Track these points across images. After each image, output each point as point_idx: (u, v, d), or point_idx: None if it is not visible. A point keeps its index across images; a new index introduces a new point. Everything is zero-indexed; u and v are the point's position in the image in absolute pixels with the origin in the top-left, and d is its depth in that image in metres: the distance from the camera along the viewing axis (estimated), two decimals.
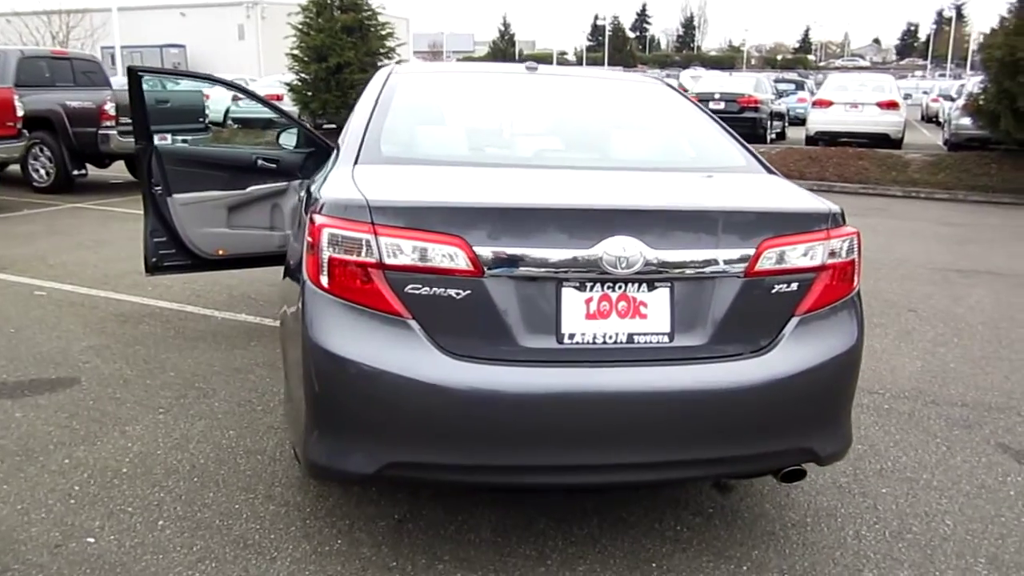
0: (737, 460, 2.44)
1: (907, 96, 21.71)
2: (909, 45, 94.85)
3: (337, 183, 2.46)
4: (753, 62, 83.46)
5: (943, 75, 54.91)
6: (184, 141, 5.42)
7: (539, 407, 2.23)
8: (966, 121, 14.25)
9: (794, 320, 2.42)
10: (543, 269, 2.24)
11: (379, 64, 17.05)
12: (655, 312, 2.32)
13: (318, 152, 5.12)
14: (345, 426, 2.29)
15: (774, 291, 2.39)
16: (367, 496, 2.98)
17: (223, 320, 5.17)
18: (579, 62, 77.45)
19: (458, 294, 2.22)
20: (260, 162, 4.99)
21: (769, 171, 2.88)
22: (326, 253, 2.26)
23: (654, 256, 2.26)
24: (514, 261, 2.23)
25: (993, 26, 13.63)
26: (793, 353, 2.40)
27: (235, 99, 17.95)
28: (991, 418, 3.95)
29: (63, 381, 4.04)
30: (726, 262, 2.33)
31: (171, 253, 4.81)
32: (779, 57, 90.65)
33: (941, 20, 79.55)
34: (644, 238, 2.26)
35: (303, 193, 3.02)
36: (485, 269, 2.21)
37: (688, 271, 2.31)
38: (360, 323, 2.25)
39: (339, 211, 2.27)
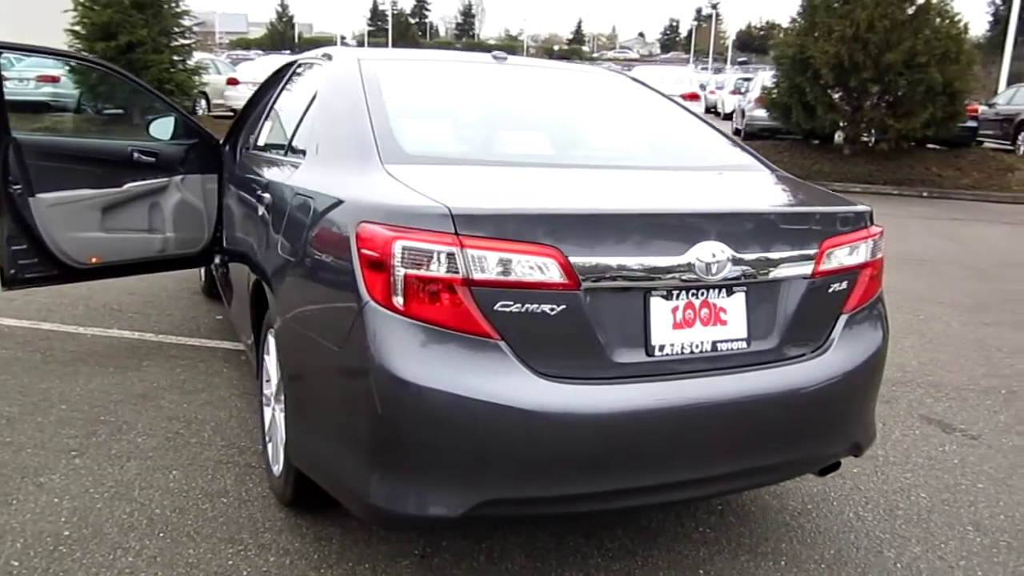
0: (807, 461, 2.44)
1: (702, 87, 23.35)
2: (672, 39, 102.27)
3: (390, 188, 2.13)
4: (532, 52, 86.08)
5: (705, 68, 59.79)
6: None
7: (639, 425, 2.07)
8: (760, 113, 15.51)
9: (843, 318, 2.44)
10: (635, 278, 2.08)
11: (173, 44, 15.67)
12: (734, 318, 2.24)
13: (201, 144, 4.57)
14: (424, 465, 2.00)
15: (830, 291, 2.39)
16: (373, 533, 2.67)
17: (95, 337, 4.47)
18: (361, 46, 75.97)
19: (552, 310, 2.00)
20: (137, 155, 4.34)
21: (772, 168, 2.89)
22: (401, 270, 1.95)
23: (738, 260, 2.18)
24: (608, 271, 2.05)
25: (786, 26, 14.88)
26: (845, 350, 2.42)
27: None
28: (902, 392, 4.27)
29: None
30: (796, 263, 2.30)
31: (34, 263, 4.06)
32: (555, 48, 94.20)
33: (700, 17, 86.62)
34: (730, 242, 2.17)
35: (292, 200, 2.59)
36: (580, 281, 2.02)
37: (763, 274, 2.25)
38: (443, 347, 1.97)
39: (414, 221, 1.97)
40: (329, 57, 3.14)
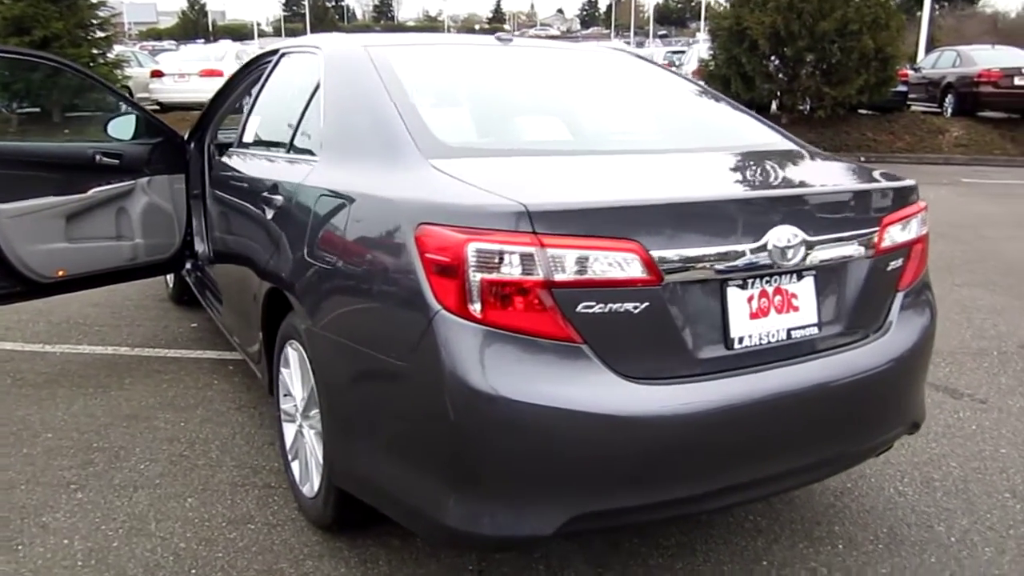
0: (878, 444, 2.37)
1: None
2: (591, 15, 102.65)
3: (447, 185, 1.96)
4: (453, 32, 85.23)
5: (628, 43, 60.13)
6: None
7: (728, 422, 1.96)
8: None
9: (899, 296, 2.38)
10: (713, 268, 1.97)
11: (91, 36, 14.90)
12: (805, 303, 2.15)
13: (167, 143, 4.28)
14: (509, 482, 1.85)
15: (888, 269, 2.33)
16: (421, 551, 2.51)
17: (64, 356, 4.15)
18: (277, 33, 73.97)
19: (635, 308, 1.87)
20: (99, 158, 4.03)
21: (802, 145, 2.81)
22: (476, 275, 1.79)
23: (809, 243, 2.09)
24: (688, 263, 1.93)
25: None
26: (904, 329, 2.36)
27: None
28: None
29: None
30: (860, 243, 2.22)
31: None
32: (476, 27, 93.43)
33: None
34: (802, 225, 2.07)
35: (315, 201, 2.38)
36: (663, 276, 1.89)
37: (832, 257, 2.16)
38: (525, 355, 1.82)
39: (487, 221, 1.80)
40: (321, 46, 2.91)
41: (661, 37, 65.83)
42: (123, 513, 2.70)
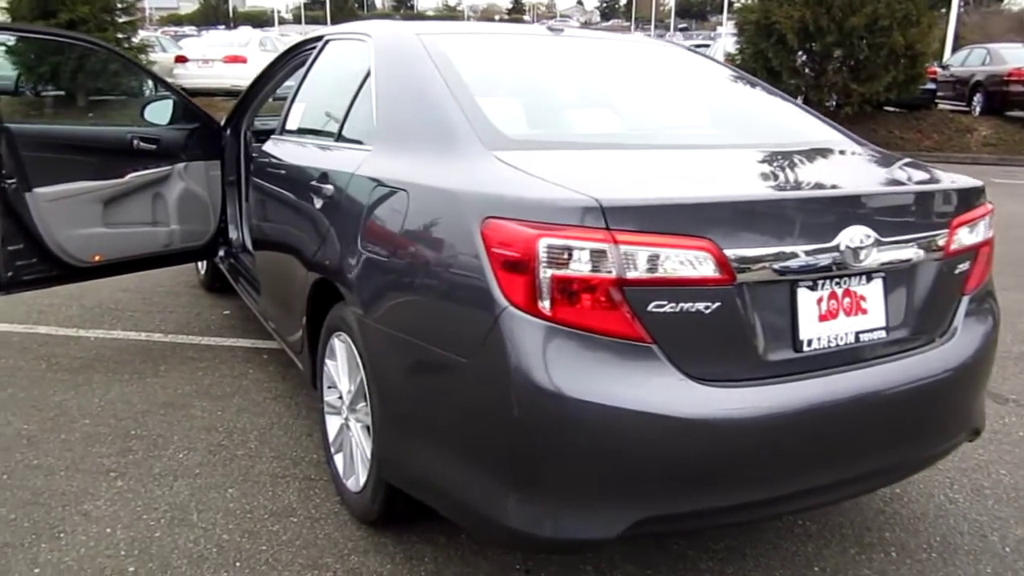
0: (941, 452, 2.31)
1: None
2: (612, 7, 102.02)
3: (514, 178, 1.90)
4: (472, 16, 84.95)
5: (648, 35, 59.69)
6: None
7: (798, 426, 1.91)
8: None
9: (964, 301, 2.32)
10: (785, 269, 1.91)
11: (117, 20, 14.93)
12: (873, 306, 2.09)
13: (203, 129, 4.25)
14: (575, 484, 1.81)
15: (955, 272, 2.26)
16: (467, 549, 2.47)
17: (99, 341, 4.14)
18: (296, 20, 73.92)
19: (706, 308, 1.81)
20: (137, 143, 4.01)
21: (863, 143, 2.75)
22: (547, 271, 1.74)
23: (881, 244, 2.03)
24: (761, 262, 1.87)
25: None
26: (969, 333, 2.30)
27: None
28: None
29: None
30: (930, 245, 2.15)
31: (31, 264, 3.72)
32: (496, 17, 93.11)
33: None
34: (874, 225, 2.01)
35: (370, 191, 2.33)
36: (735, 275, 1.84)
37: (902, 258, 2.10)
38: (594, 355, 1.77)
39: (560, 216, 1.75)
40: (370, 33, 2.86)
41: (682, 30, 65.38)
42: (164, 503, 2.67)
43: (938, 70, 16.15)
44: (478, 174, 1.98)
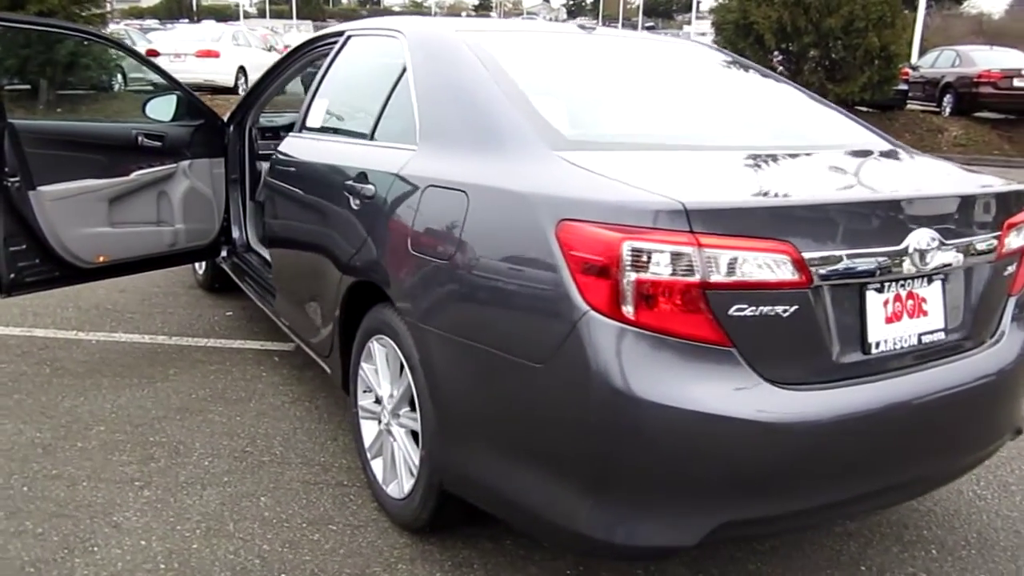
0: (990, 452, 2.32)
1: None
2: (579, 5, 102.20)
3: (590, 180, 1.86)
4: (439, 12, 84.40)
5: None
6: None
7: (870, 428, 1.90)
8: None
9: (1011, 301, 2.33)
10: (856, 271, 1.90)
11: (84, 13, 14.57)
12: (933, 308, 2.09)
13: (208, 125, 4.15)
14: (655, 490, 1.78)
15: (1005, 274, 2.27)
16: (515, 554, 2.43)
17: (101, 344, 4.02)
18: (261, 15, 72.98)
19: (784, 311, 1.79)
20: (142, 139, 3.89)
21: (900, 145, 2.76)
22: (631, 275, 1.71)
23: (944, 247, 2.03)
24: (836, 265, 1.86)
25: None
26: (1016, 334, 2.31)
27: None
28: None
29: None
30: (985, 247, 2.16)
31: (34, 265, 3.59)
32: (463, 13, 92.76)
33: None
34: (937, 228, 2.01)
35: (422, 192, 2.26)
36: (812, 278, 1.82)
37: (960, 261, 2.10)
38: (675, 359, 1.74)
39: (643, 219, 1.72)
40: (402, 31, 2.79)
41: (648, 28, 65.73)
42: (196, 512, 2.59)
43: (909, 71, 16.42)
44: (546, 176, 1.94)
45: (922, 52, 19.16)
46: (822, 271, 1.83)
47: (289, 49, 3.85)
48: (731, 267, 1.74)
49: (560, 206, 1.83)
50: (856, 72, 13.38)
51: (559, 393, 1.82)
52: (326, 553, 2.41)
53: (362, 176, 2.58)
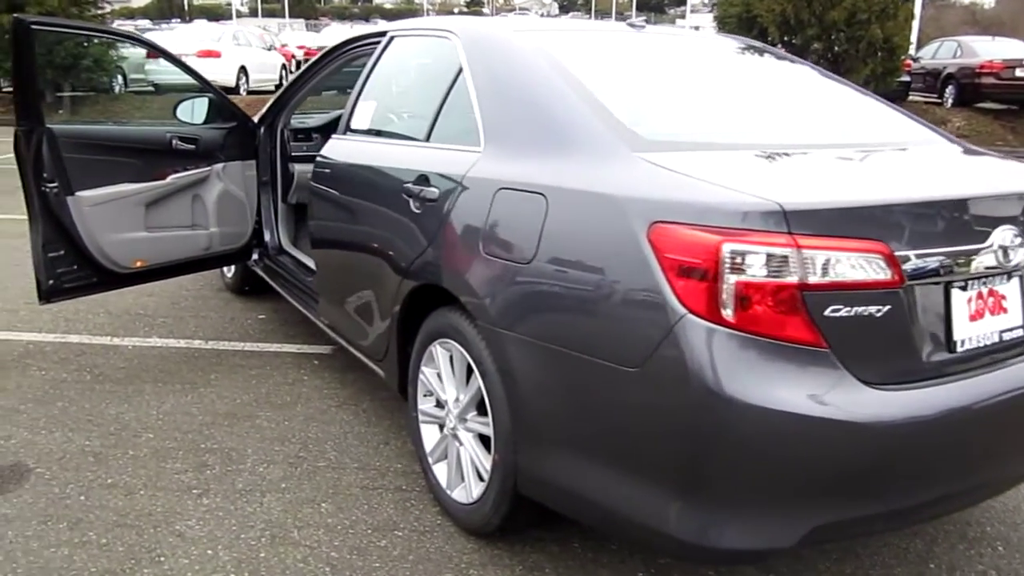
0: None
1: None
2: (570, 0, 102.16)
3: (681, 182, 1.84)
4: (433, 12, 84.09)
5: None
6: None
7: (960, 426, 1.89)
8: None
9: None
10: (944, 269, 1.89)
11: (85, 14, 14.50)
12: (1012, 305, 2.08)
13: (240, 128, 4.12)
14: (752, 493, 1.76)
15: None
16: (586, 559, 2.42)
17: (138, 349, 3.98)
18: (253, 14, 72.66)
19: (878, 311, 1.78)
20: (176, 143, 3.86)
21: (952, 140, 2.75)
22: (731, 277, 1.70)
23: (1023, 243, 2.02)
24: (926, 263, 1.85)
25: None
26: None
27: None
28: None
29: (5, 474, 2.81)
30: None
31: (73, 271, 3.56)
32: (456, 11, 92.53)
33: None
34: (1018, 225, 2.00)
35: (493, 194, 2.23)
36: (904, 277, 1.81)
37: None
38: (772, 361, 1.72)
39: (741, 220, 1.70)
40: (455, 31, 2.76)
41: (639, 24, 65.38)
42: (259, 520, 2.57)
43: (911, 63, 16.43)
44: (632, 177, 1.92)
45: (919, 44, 19.17)
46: (912, 270, 1.82)
47: (323, 51, 3.81)
48: (827, 268, 1.72)
49: (652, 208, 1.81)
50: (859, 64, 13.39)
51: (652, 396, 1.80)
52: (395, 560, 2.39)
53: (422, 179, 2.56)
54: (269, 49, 20.82)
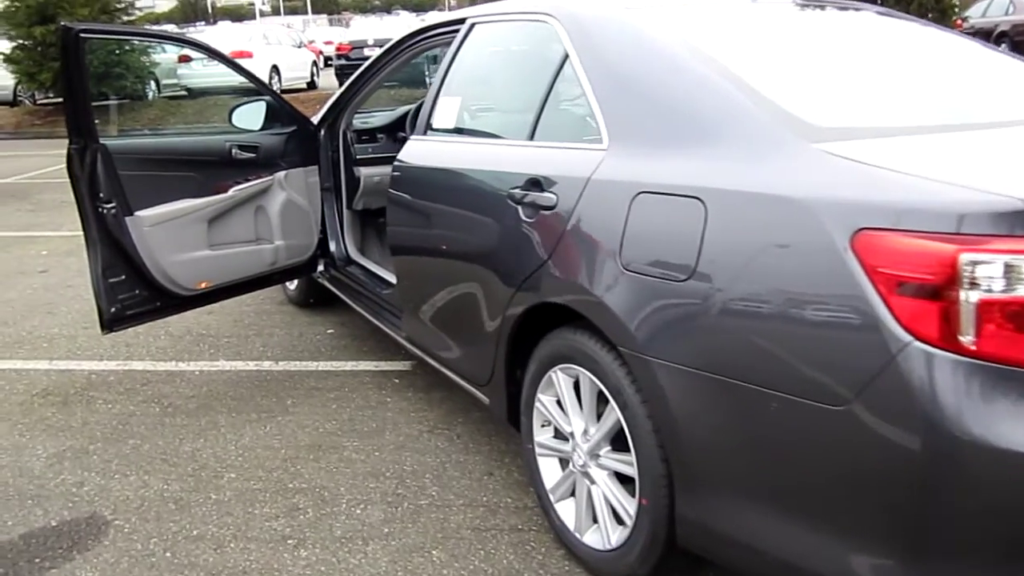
0: None
1: None
2: None
3: (887, 177, 1.51)
4: (455, 4, 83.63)
5: None
6: None
7: None
8: None
9: None
10: None
11: (116, 21, 14.39)
12: None
13: (300, 131, 3.84)
14: (986, 551, 1.44)
15: None
16: None
17: (205, 374, 3.74)
18: (276, 13, 72.73)
19: None
20: (236, 152, 3.59)
21: None
22: (973, 295, 1.36)
23: None
24: None
25: None
26: None
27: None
28: None
29: (74, 527, 2.56)
30: None
31: (135, 296, 3.31)
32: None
33: None
34: None
35: (630, 200, 1.91)
36: None
37: None
38: (1008, 392, 1.40)
39: (979, 224, 1.37)
40: (554, 13, 2.42)
41: None
42: (366, 574, 2.29)
43: (962, 23, 15.76)
44: (816, 174, 1.59)
45: (968, 2, 18.43)
46: None
47: (388, 44, 3.51)
48: None
49: (854, 212, 1.48)
50: None
51: (864, 438, 1.48)
52: None
53: (533, 183, 2.24)
54: (299, 46, 20.63)
